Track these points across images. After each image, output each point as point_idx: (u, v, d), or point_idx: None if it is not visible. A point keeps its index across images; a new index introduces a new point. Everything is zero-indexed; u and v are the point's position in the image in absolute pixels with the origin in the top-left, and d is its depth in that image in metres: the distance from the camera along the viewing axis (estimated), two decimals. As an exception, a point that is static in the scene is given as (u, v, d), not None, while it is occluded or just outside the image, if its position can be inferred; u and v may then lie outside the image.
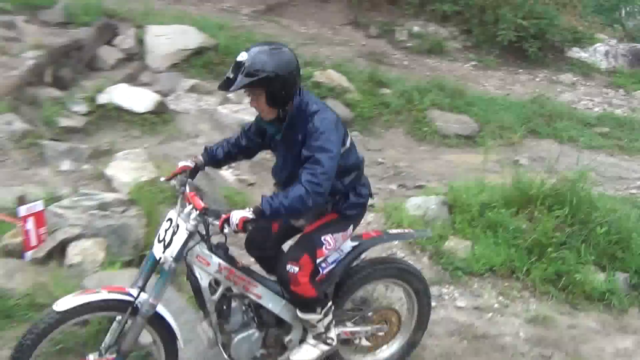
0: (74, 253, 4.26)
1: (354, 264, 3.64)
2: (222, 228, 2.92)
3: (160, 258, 3.07)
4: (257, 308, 3.39)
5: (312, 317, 3.34)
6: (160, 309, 3.16)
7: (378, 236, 3.77)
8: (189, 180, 3.36)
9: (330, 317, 3.42)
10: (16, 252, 4.30)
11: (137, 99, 7.26)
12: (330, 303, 3.43)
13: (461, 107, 8.80)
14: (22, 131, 6.16)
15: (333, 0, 12.43)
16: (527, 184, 5.78)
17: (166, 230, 3.12)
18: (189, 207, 3.11)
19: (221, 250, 3.23)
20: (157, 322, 3.17)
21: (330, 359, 3.68)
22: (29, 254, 4.26)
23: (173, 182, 3.42)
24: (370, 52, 10.77)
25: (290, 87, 3.08)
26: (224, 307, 3.29)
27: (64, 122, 6.72)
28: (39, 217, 4.28)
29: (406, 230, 4.12)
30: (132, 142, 6.80)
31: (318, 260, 3.31)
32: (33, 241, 4.26)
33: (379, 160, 7.43)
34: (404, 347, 3.95)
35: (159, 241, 3.10)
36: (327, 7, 12.35)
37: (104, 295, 3.03)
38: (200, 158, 3.54)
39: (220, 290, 3.23)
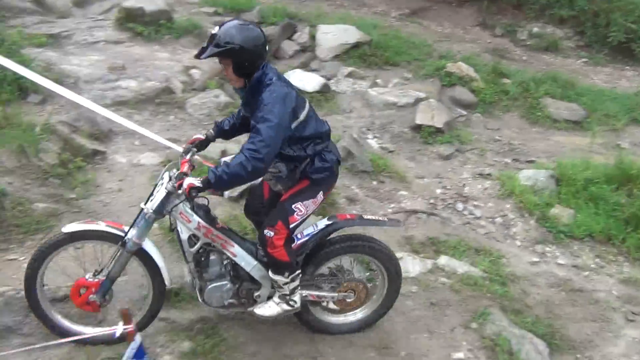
0: (258, 195, 4.38)
1: (330, 237, 3.32)
2: (177, 189, 2.78)
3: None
4: (235, 264, 3.17)
5: (279, 278, 3.09)
6: (148, 247, 3.04)
7: (352, 219, 3.40)
8: (193, 149, 3.21)
9: (296, 283, 3.15)
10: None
11: (307, 81, 7.28)
12: (298, 271, 3.15)
13: (571, 96, 8.02)
14: (224, 102, 6.37)
15: (466, 5, 11.74)
16: (628, 165, 5.25)
17: (158, 186, 3.00)
18: (177, 171, 2.94)
19: (202, 210, 3.03)
20: (145, 258, 3.06)
21: (303, 317, 3.44)
22: (226, 193, 4.44)
23: (186, 147, 3.24)
24: (495, 48, 10.08)
25: (254, 60, 2.79)
26: (202, 259, 3.12)
27: (255, 97, 6.88)
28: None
29: (379, 218, 3.55)
30: (303, 114, 6.85)
31: (291, 226, 3.01)
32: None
33: (496, 137, 6.98)
34: (369, 316, 3.58)
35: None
36: (461, 10, 11.70)
37: (101, 227, 3.01)
38: (211, 131, 3.32)
39: (198, 244, 3.05)
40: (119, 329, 2.84)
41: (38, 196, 4.25)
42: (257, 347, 3.35)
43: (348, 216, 3.43)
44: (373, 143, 6.38)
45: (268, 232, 2.98)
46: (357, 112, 7.05)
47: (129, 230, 2.94)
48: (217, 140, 3.38)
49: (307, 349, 3.40)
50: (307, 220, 3.22)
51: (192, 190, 2.71)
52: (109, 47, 7.11)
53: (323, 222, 3.26)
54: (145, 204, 2.91)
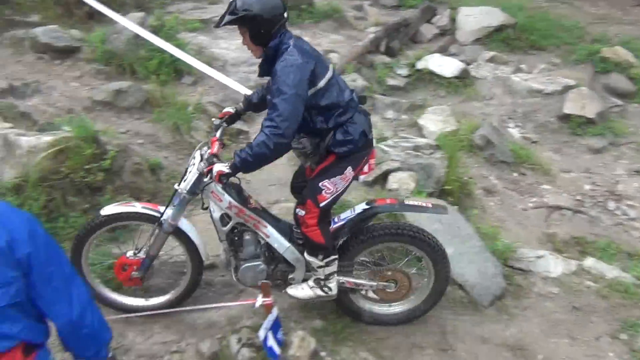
0: (393, 181, 4.36)
1: (370, 223, 3.14)
2: (207, 174, 2.73)
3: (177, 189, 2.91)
4: (270, 245, 3.07)
5: (313, 260, 2.98)
6: (184, 226, 3.06)
7: (391, 204, 3.15)
8: (224, 124, 3.13)
9: (332, 268, 3.01)
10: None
11: (446, 66, 7.06)
12: (334, 256, 3.00)
13: None
14: (361, 87, 6.38)
15: (626, -16, 10.61)
16: None
17: (190, 166, 2.93)
18: (208, 150, 2.88)
19: (234, 190, 2.96)
20: (182, 237, 3.08)
21: (341, 303, 3.28)
22: (361, 178, 4.40)
23: (217, 122, 3.15)
24: (659, 31, 9.02)
25: (271, 28, 2.66)
26: (236, 238, 3.06)
27: (390, 81, 6.83)
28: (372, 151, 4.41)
29: (423, 204, 3.20)
30: (439, 100, 6.68)
31: (321, 205, 2.85)
32: (365, 169, 4.42)
33: (656, 130, 6.29)
34: (413, 309, 3.33)
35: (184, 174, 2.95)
36: (620, -11, 10.59)
37: (137, 208, 3.03)
38: (241, 105, 3.20)
39: (231, 223, 2.99)
40: (258, 300, 3.01)
41: (189, 171, 4.59)
42: (386, 333, 3.34)
43: (388, 201, 3.21)
44: (514, 132, 6.05)
45: (299, 211, 2.92)
46: (497, 100, 6.72)
47: (164, 210, 2.98)
48: (247, 113, 3.32)
49: (437, 340, 3.33)
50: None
51: (222, 177, 2.70)
52: (254, 31, 7.43)
53: (361, 206, 3.10)
54: (179, 184, 2.92)
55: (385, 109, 6.21)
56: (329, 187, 2.85)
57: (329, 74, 2.78)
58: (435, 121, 5.71)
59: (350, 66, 6.68)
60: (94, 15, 6.56)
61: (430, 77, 6.99)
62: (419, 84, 6.96)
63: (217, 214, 2.98)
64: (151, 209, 3.03)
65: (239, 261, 3.09)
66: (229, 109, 3.21)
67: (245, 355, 3.01)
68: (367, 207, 3.08)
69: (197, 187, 2.88)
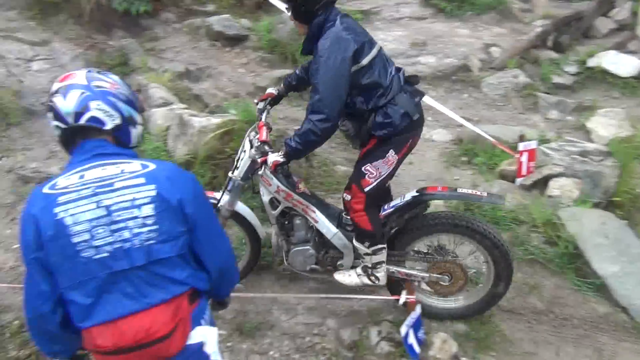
0: (554, 187, 4.06)
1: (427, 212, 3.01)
2: (261, 165, 2.76)
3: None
4: (319, 230, 3.02)
5: (360, 246, 2.94)
6: (241, 209, 3.13)
7: (442, 192, 2.99)
8: (267, 107, 3.11)
9: (379, 257, 2.95)
10: (509, 177, 4.31)
11: (622, 64, 6.37)
12: (381, 245, 2.92)
13: None
14: (523, 84, 6.04)
15: None
16: None
17: (241, 152, 2.95)
18: (256, 137, 2.85)
19: (282, 174, 2.91)
20: (240, 220, 3.17)
21: (395, 292, 3.12)
22: (518, 181, 4.23)
23: (261, 105, 3.14)
24: None
25: (312, 6, 2.55)
26: (286, 222, 3.08)
27: (556, 79, 6.33)
28: (531, 153, 4.17)
29: (477, 193, 2.94)
30: (611, 102, 6.06)
31: (366, 189, 2.77)
32: (524, 171, 4.19)
33: None
34: (471, 306, 3.16)
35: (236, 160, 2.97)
36: None
37: None
38: (282, 87, 3.16)
39: (280, 207, 3.01)
40: (402, 297, 2.99)
41: (340, 159, 4.69)
42: (534, 348, 3.13)
43: (439, 189, 3.02)
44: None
45: (346, 196, 2.91)
46: (685, 103, 5.92)
47: (221, 197, 3.02)
48: (289, 94, 3.30)
49: (593, 364, 3.05)
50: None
51: (278, 167, 2.71)
52: (412, 23, 7.35)
53: (410, 194, 2.96)
54: (232, 172, 2.95)
55: (548, 108, 5.77)
56: (372, 171, 2.78)
57: (373, 52, 2.65)
58: (606, 125, 5.19)
59: (513, 61, 6.33)
60: (262, 5, 6.94)
61: (602, 76, 6.37)
62: (588, 83, 6.38)
63: (266, 198, 3.04)
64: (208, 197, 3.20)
65: (290, 245, 3.14)
66: (272, 91, 3.20)
67: (384, 348, 3.02)
68: (417, 194, 2.96)
69: (250, 173, 2.94)
